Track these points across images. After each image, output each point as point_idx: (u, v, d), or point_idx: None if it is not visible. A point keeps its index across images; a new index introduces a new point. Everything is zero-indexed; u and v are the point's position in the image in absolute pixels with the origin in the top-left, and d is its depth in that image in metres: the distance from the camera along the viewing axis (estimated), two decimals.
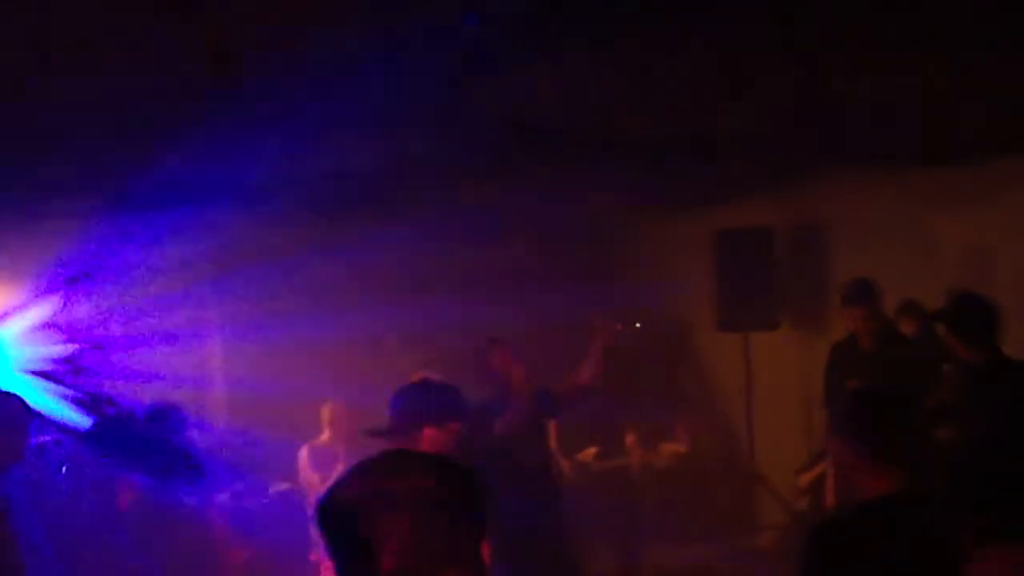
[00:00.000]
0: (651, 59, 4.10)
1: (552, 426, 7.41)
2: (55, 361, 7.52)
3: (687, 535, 7.72)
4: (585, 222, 8.29)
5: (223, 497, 7.37)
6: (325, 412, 7.46)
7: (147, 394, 7.34)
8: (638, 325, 8.35)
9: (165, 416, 6.02)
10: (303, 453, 7.38)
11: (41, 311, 7.87)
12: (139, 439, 6.33)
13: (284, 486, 7.48)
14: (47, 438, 6.36)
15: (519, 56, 3.78)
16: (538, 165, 5.94)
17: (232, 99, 3.77)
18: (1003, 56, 4.24)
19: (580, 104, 4.71)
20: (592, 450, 7.40)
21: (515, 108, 4.59)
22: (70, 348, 7.70)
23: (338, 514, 1.56)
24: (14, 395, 4.27)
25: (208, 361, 8.81)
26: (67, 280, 7.72)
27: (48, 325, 7.91)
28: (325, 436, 7.45)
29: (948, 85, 4.66)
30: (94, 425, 6.43)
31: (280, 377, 8.10)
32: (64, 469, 6.05)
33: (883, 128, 5.60)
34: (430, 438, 3.62)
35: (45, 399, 6.91)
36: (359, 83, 3.81)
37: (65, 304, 7.90)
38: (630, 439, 7.82)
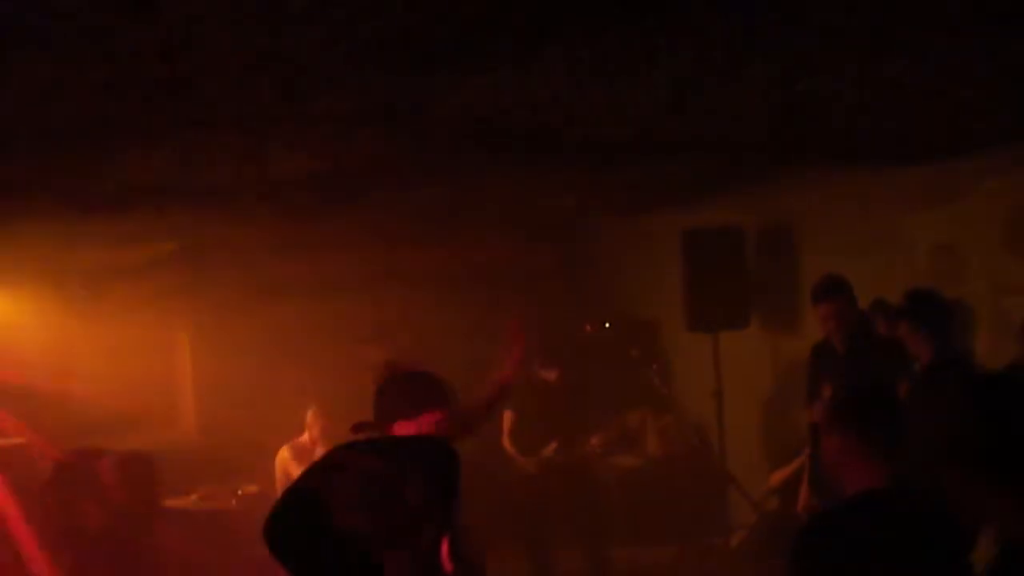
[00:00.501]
0: (617, 58, 4.07)
1: (507, 420, 7.44)
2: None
3: (657, 535, 7.74)
4: (554, 222, 8.28)
5: (192, 499, 7.35)
6: (309, 415, 7.42)
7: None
8: (607, 325, 8.36)
9: None
10: (284, 453, 7.33)
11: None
12: None
13: (253, 488, 7.43)
14: None
15: (481, 55, 3.75)
16: (506, 166, 5.92)
17: (194, 100, 3.73)
18: (972, 52, 4.24)
19: (545, 104, 4.68)
20: (552, 445, 7.41)
21: (478, 108, 4.55)
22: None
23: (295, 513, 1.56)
24: None
25: (176, 363, 8.77)
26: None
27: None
28: (305, 437, 7.40)
29: (915, 82, 4.67)
30: None
31: (249, 377, 8.07)
32: None
33: (852, 127, 5.61)
34: (405, 431, 3.51)
35: None
36: (321, 83, 3.77)
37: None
38: (594, 441, 7.82)
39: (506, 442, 7.54)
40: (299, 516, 1.55)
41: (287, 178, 5.61)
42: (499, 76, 4.09)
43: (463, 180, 6.27)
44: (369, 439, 1.68)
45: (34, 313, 7.93)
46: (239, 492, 7.40)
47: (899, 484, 2.82)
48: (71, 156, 4.61)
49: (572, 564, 7.48)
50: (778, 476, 6.72)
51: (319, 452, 7.27)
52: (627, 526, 7.90)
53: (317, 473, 1.59)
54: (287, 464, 7.19)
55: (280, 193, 6.01)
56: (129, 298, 8.23)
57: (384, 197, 6.50)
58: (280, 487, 7.00)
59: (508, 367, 4.78)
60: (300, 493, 1.57)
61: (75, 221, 6.10)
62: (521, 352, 4.87)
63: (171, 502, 7.09)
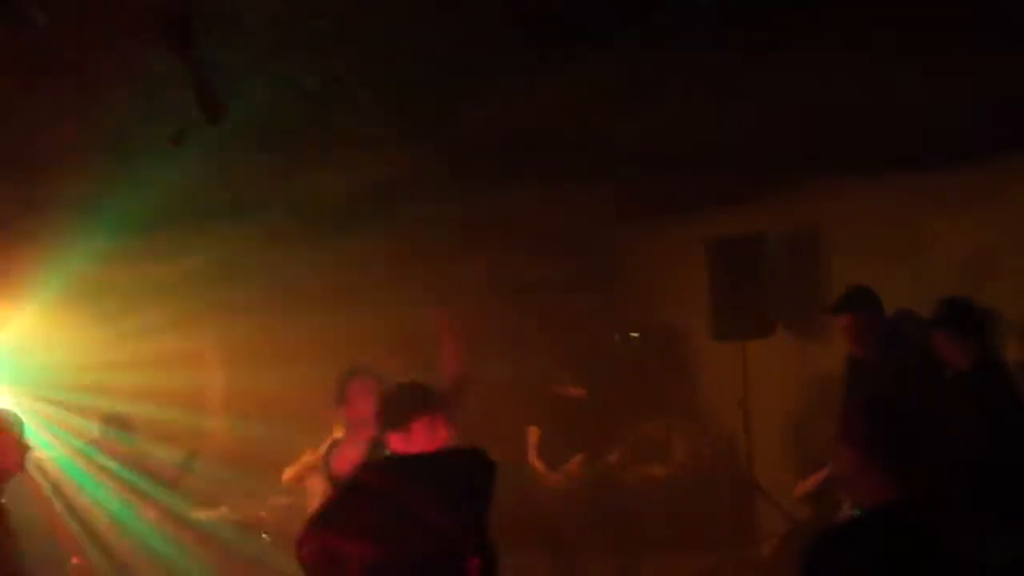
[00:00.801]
0: (640, 70, 4.12)
1: (532, 436, 7.45)
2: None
3: (686, 544, 7.72)
4: (580, 234, 8.31)
5: (222, 511, 7.43)
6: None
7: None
8: (634, 335, 8.38)
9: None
10: (306, 458, 7.38)
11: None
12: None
13: (283, 500, 7.48)
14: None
15: (502, 73, 3.80)
16: (530, 180, 5.97)
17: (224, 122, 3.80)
18: (993, 54, 4.25)
19: (570, 116, 4.73)
20: (578, 459, 7.40)
21: (501, 125, 4.61)
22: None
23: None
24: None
25: (208, 377, 8.85)
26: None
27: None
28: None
29: (940, 85, 4.67)
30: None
31: (279, 390, 8.14)
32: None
33: (875, 132, 5.62)
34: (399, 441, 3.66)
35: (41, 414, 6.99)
36: (349, 103, 3.84)
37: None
38: (613, 458, 7.74)
39: (532, 458, 7.53)
40: (325, 539, 1.55)
41: (316, 195, 5.69)
42: (521, 93, 4.15)
43: (489, 194, 6.33)
44: (401, 455, 1.68)
45: (70, 330, 8.04)
46: (268, 504, 7.45)
47: (911, 497, 2.81)
48: (105, 176, 4.71)
49: (604, 574, 7.49)
50: (804, 485, 6.70)
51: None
52: (655, 535, 7.89)
53: (342, 498, 1.58)
54: (309, 470, 7.23)
55: (309, 209, 6.10)
56: (162, 314, 8.33)
57: (411, 211, 6.56)
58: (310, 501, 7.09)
59: (450, 360, 4.90)
60: (326, 517, 1.58)
61: (109, 239, 6.20)
62: (456, 344, 4.98)
63: (201, 514, 7.20)
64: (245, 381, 8.42)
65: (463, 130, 4.72)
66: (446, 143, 4.95)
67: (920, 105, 4.98)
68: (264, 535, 7.17)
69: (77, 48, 2.96)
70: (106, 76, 3.22)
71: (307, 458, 6.48)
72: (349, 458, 4.52)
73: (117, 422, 6.57)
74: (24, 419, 4.48)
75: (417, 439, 3.65)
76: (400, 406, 3.70)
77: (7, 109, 3.63)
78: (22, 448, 4.30)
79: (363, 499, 1.57)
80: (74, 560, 5.95)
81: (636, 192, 6.78)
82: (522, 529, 7.17)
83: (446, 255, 8.15)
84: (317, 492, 5.91)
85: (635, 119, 4.88)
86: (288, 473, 6.65)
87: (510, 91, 4.16)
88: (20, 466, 4.30)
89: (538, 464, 7.52)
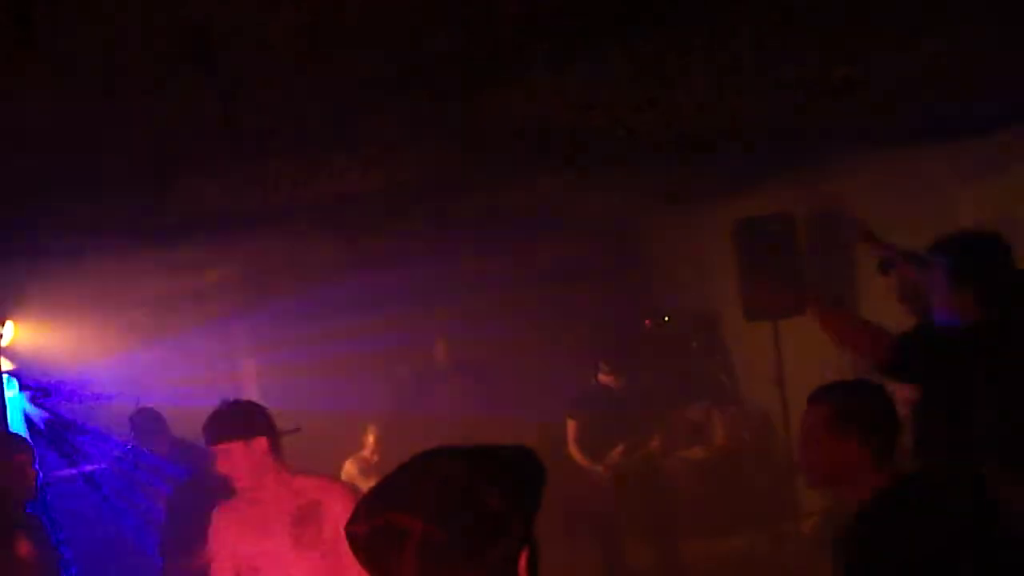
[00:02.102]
0: (660, 56, 4.12)
1: (571, 428, 7.44)
2: None
3: (728, 525, 7.74)
4: (609, 220, 8.32)
5: None
6: (369, 432, 7.57)
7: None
8: (667, 319, 8.39)
9: None
10: (349, 468, 7.47)
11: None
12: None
13: None
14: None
15: (519, 65, 3.82)
16: (550, 168, 5.98)
17: (247, 133, 3.85)
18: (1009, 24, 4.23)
19: (584, 106, 4.74)
20: (619, 449, 7.39)
21: (520, 114, 4.62)
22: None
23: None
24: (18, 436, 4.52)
25: (241, 386, 8.91)
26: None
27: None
28: (367, 452, 7.54)
29: (957, 58, 4.64)
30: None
31: (312, 395, 8.19)
32: None
33: (895, 106, 5.59)
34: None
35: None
36: (369, 108, 3.87)
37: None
38: (655, 443, 7.73)
39: (572, 450, 7.51)
40: (382, 515, 1.56)
41: (341, 198, 5.72)
42: (538, 82, 4.16)
43: (512, 186, 6.35)
44: (455, 446, 1.69)
45: (99, 343, 8.09)
46: None
47: (908, 481, 2.89)
48: (134, 192, 4.76)
49: (644, 558, 7.52)
50: None
51: (380, 464, 7.40)
52: (698, 517, 7.91)
53: (399, 475, 1.59)
54: (354, 479, 7.31)
55: (334, 213, 6.13)
56: (191, 324, 8.40)
57: (435, 209, 6.59)
58: None
59: None
60: (385, 494, 1.59)
61: (137, 252, 6.28)
62: None
63: None
64: (281, 388, 8.45)
65: (488, 123, 4.74)
66: (472, 135, 4.97)
67: (939, 78, 4.96)
68: None
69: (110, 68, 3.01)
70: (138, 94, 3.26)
71: None
72: None
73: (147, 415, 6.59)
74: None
75: (236, 460, 3.71)
76: (214, 425, 3.78)
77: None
78: (33, 474, 4.36)
79: (423, 478, 1.59)
80: None
81: (663, 176, 6.78)
82: (568, 520, 7.21)
83: (472, 250, 8.17)
84: None
85: (657, 105, 4.89)
86: None
87: (533, 84, 4.18)
88: (33, 492, 4.35)
89: (579, 455, 7.51)
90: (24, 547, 4.10)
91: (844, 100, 5.22)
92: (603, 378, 7.46)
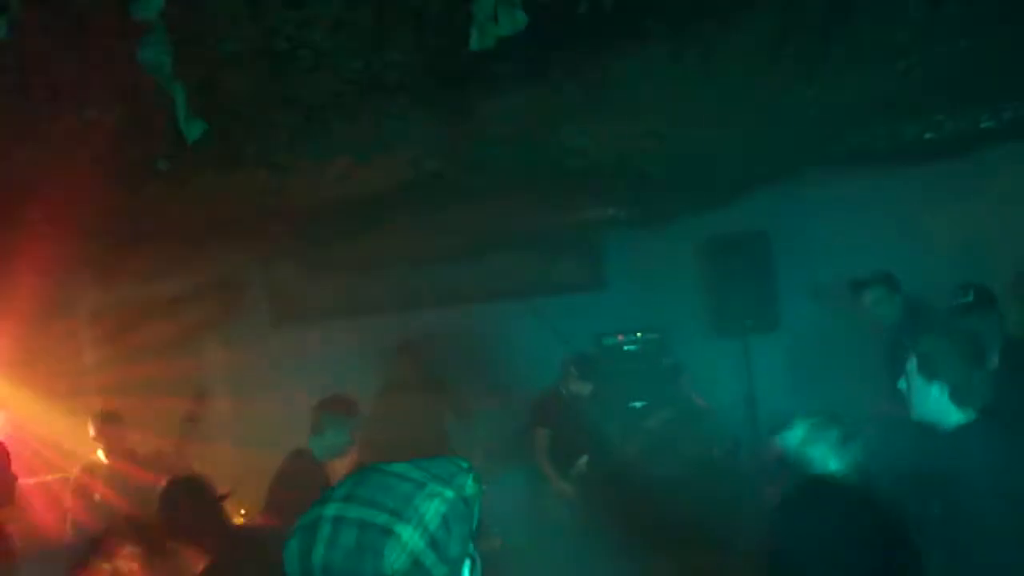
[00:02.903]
0: (636, 75, 4.15)
1: (540, 437, 7.36)
2: None
3: (696, 542, 7.71)
4: (580, 235, 8.32)
5: None
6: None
7: None
8: (638, 335, 8.39)
9: None
10: None
11: None
12: None
13: None
14: None
15: (498, 81, 3.84)
16: (528, 185, 6.00)
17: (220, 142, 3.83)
18: (978, 44, 4.28)
19: (567, 122, 4.76)
20: (584, 459, 7.30)
21: (496, 129, 4.64)
22: None
23: None
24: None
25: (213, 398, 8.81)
26: None
27: None
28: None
29: (927, 78, 4.70)
30: None
31: (285, 408, 8.09)
32: None
33: (866, 126, 5.65)
34: None
35: None
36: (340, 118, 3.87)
37: None
38: (620, 456, 7.66)
39: (541, 461, 7.36)
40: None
41: (311, 208, 5.71)
42: (514, 99, 4.18)
43: (489, 199, 6.34)
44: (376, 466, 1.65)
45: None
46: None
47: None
48: (107, 200, 4.73)
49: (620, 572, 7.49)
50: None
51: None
52: (666, 535, 7.89)
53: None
54: None
55: (305, 222, 6.11)
56: (163, 334, 8.29)
57: (410, 219, 6.57)
58: None
59: None
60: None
61: (109, 259, 6.22)
62: None
63: None
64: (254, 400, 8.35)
65: (459, 136, 4.75)
66: (440, 149, 4.98)
67: (906, 99, 5.02)
68: None
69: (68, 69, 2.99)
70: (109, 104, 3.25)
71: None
72: None
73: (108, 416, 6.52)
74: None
75: None
76: None
77: None
78: (11, 479, 4.31)
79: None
80: None
81: (634, 194, 6.81)
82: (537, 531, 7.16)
83: (444, 259, 8.16)
84: None
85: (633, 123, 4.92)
86: None
87: (502, 99, 4.19)
88: (10, 497, 4.30)
89: (547, 468, 7.40)
90: None
91: (814, 118, 5.28)
92: (574, 387, 7.35)
